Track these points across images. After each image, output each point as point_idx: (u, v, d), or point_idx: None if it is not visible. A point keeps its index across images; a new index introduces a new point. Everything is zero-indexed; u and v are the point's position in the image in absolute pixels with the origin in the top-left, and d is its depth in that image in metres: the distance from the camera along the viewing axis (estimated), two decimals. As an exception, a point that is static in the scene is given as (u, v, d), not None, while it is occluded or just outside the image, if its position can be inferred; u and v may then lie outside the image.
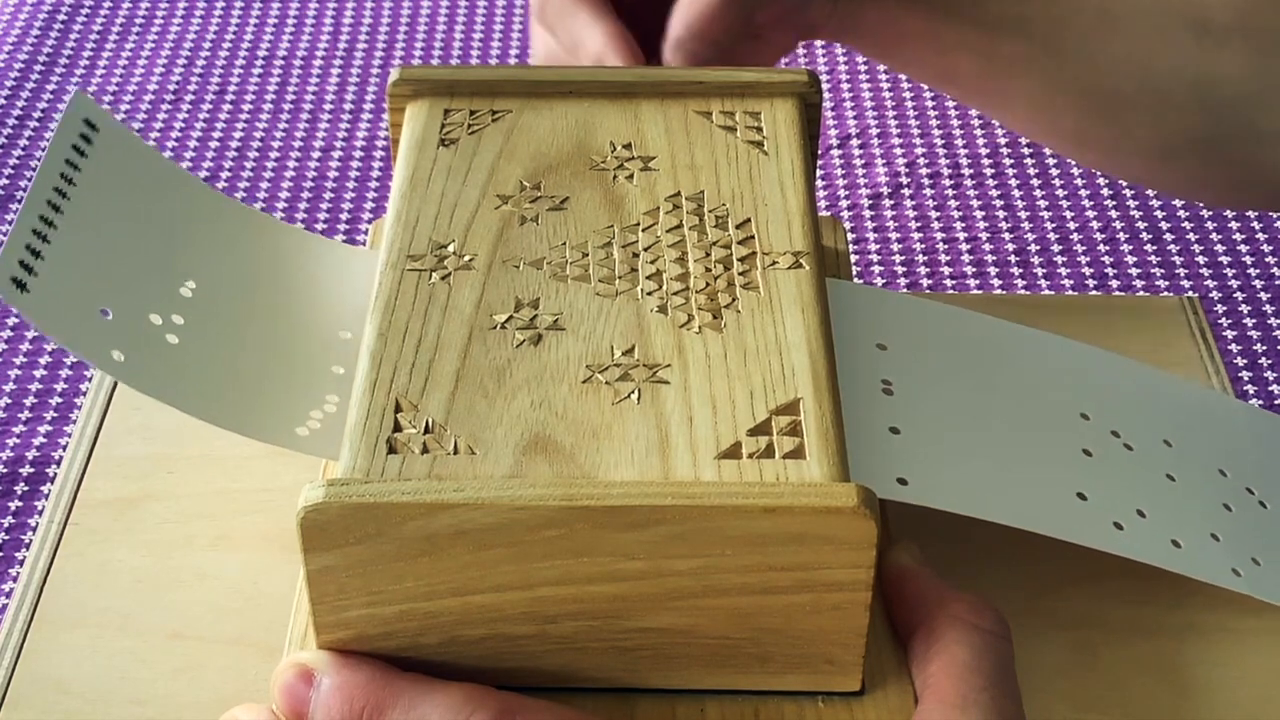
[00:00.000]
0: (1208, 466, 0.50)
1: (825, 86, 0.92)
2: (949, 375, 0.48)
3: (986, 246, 0.80)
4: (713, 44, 0.55)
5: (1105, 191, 0.84)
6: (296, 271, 0.49)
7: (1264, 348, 0.74)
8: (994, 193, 0.84)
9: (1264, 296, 0.77)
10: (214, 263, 0.47)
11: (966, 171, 0.85)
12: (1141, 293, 0.77)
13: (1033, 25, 0.58)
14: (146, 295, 0.45)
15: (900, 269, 0.79)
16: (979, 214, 0.82)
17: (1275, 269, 0.79)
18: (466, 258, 0.45)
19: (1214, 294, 0.77)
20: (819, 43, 0.96)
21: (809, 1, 0.57)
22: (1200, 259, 0.79)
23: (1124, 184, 0.84)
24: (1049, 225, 0.82)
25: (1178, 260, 0.79)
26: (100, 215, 0.45)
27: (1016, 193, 0.84)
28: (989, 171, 0.85)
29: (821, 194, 0.84)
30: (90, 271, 0.44)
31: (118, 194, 0.46)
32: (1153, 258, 0.79)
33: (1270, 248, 0.80)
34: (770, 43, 0.58)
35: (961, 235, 0.81)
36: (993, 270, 0.79)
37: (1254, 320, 0.76)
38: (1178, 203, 0.83)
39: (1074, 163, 0.85)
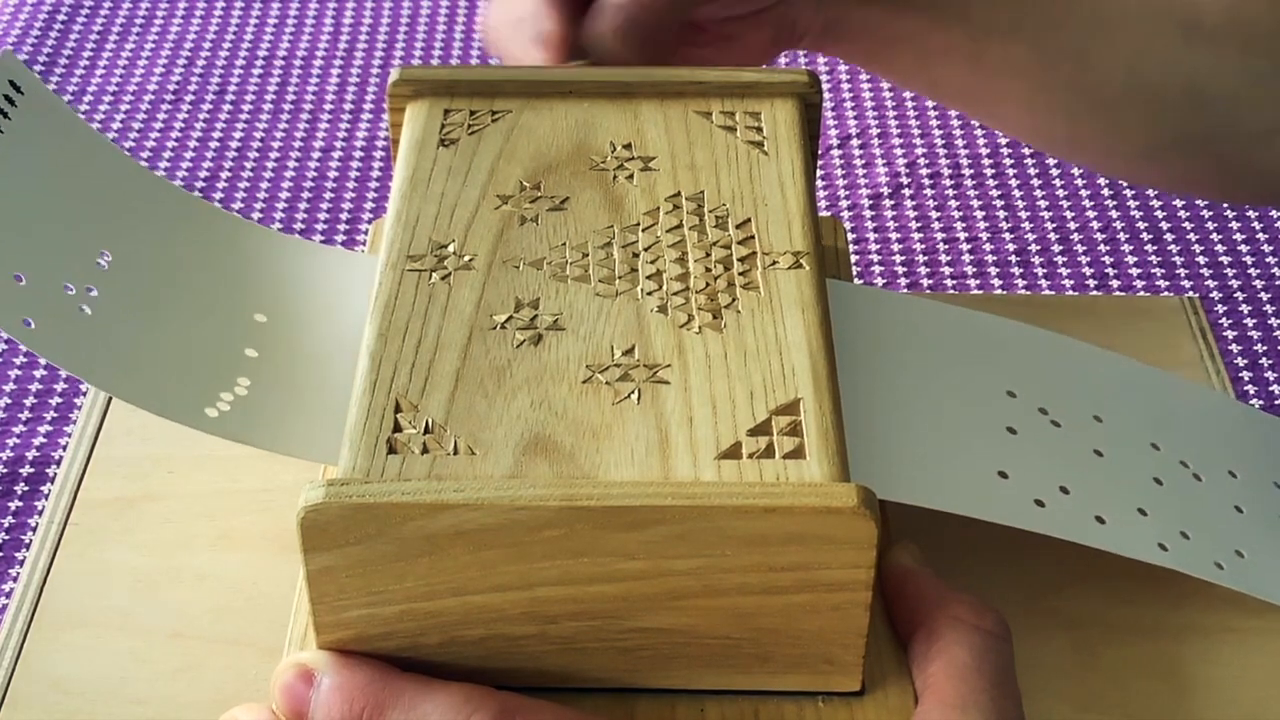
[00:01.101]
0: (1143, 441, 0.50)
1: (825, 86, 0.92)
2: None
3: (986, 246, 0.80)
4: (650, 8, 0.53)
5: (1105, 191, 0.84)
6: (217, 254, 0.48)
7: (1264, 348, 0.74)
8: (994, 193, 0.84)
9: (1264, 296, 0.77)
10: (133, 237, 0.46)
11: (966, 171, 0.85)
12: (1141, 293, 0.77)
13: (1023, 28, 0.58)
14: (62, 263, 0.44)
15: (900, 269, 0.79)
16: (979, 214, 0.82)
17: (1275, 269, 0.79)
18: (466, 258, 0.45)
19: (1214, 294, 0.77)
20: (819, 43, 0.96)
21: (789, 10, 0.57)
22: (1200, 259, 0.79)
23: (1124, 184, 0.84)
24: (1049, 225, 0.82)
25: (1178, 260, 0.79)
26: (19, 179, 0.44)
27: (1016, 193, 0.84)
28: (989, 171, 0.85)
29: (821, 194, 0.84)
30: (5, 235, 0.43)
31: (38, 158, 0.46)
32: (1153, 258, 0.79)
33: (1270, 248, 0.80)
34: (744, 46, 0.57)
35: (961, 235, 0.81)
36: (993, 270, 0.79)
37: (1254, 320, 0.76)
38: (1178, 203, 0.83)
39: (1070, 162, 0.85)
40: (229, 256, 0.48)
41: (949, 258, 0.79)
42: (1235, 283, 0.78)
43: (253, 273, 0.48)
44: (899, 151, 0.87)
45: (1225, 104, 0.57)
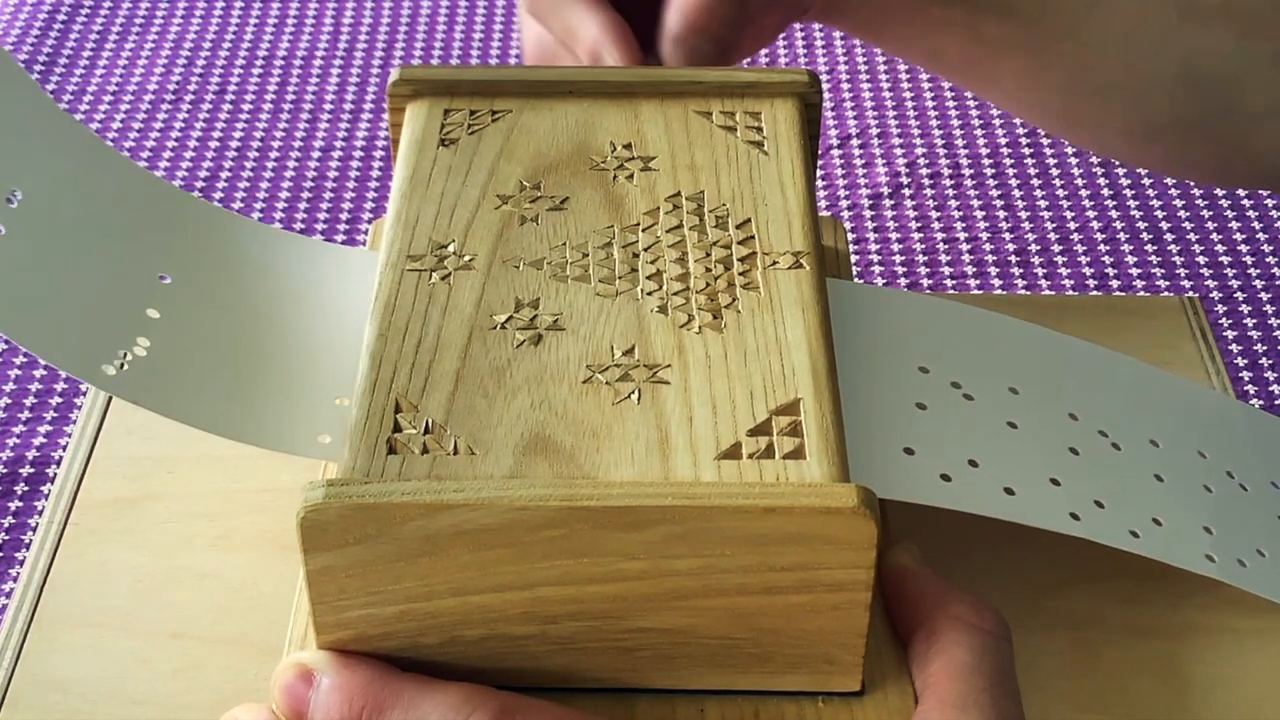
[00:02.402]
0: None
1: (825, 86, 0.92)
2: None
3: (986, 246, 0.80)
4: (712, 38, 0.54)
5: (1105, 191, 0.84)
6: (126, 210, 0.47)
7: (1264, 348, 0.74)
8: (994, 193, 0.84)
9: (1264, 296, 0.77)
10: (43, 178, 0.46)
11: (966, 171, 0.85)
12: (1141, 293, 0.77)
13: (1020, 6, 0.58)
14: None
15: (900, 269, 0.79)
16: (979, 214, 0.82)
17: (1275, 269, 0.79)
18: (466, 258, 0.45)
19: (1214, 294, 0.77)
20: (819, 43, 0.96)
21: None
22: (1200, 259, 0.79)
23: (1124, 183, 0.84)
24: (1049, 225, 0.82)
25: (1178, 260, 0.79)
26: None
27: (1016, 193, 0.84)
28: (989, 171, 0.85)
29: (821, 194, 0.84)
30: None
31: None
32: (1153, 258, 0.79)
33: (1270, 248, 0.80)
34: (761, 26, 0.57)
35: (961, 235, 0.81)
36: (993, 270, 0.79)
37: (1254, 320, 0.76)
38: (1178, 202, 0.83)
39: (1075, 161, 0.85)
40: (131, 213, 0.47)
41: (949, 258, 0.79)
42: (1235, 283, 0.78)
43: (164, 234, 0.47)
44: (899, 151, 0.87)
45: (1220, 85, 0.57)
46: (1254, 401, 0.71)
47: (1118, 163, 0.84)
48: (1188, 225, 0.81)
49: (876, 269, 0.79)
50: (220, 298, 0.46)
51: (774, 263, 0.45)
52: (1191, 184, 0.84)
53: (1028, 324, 0.52)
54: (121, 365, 0.43)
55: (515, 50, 0.97)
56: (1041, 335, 0.52)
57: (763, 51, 0.95)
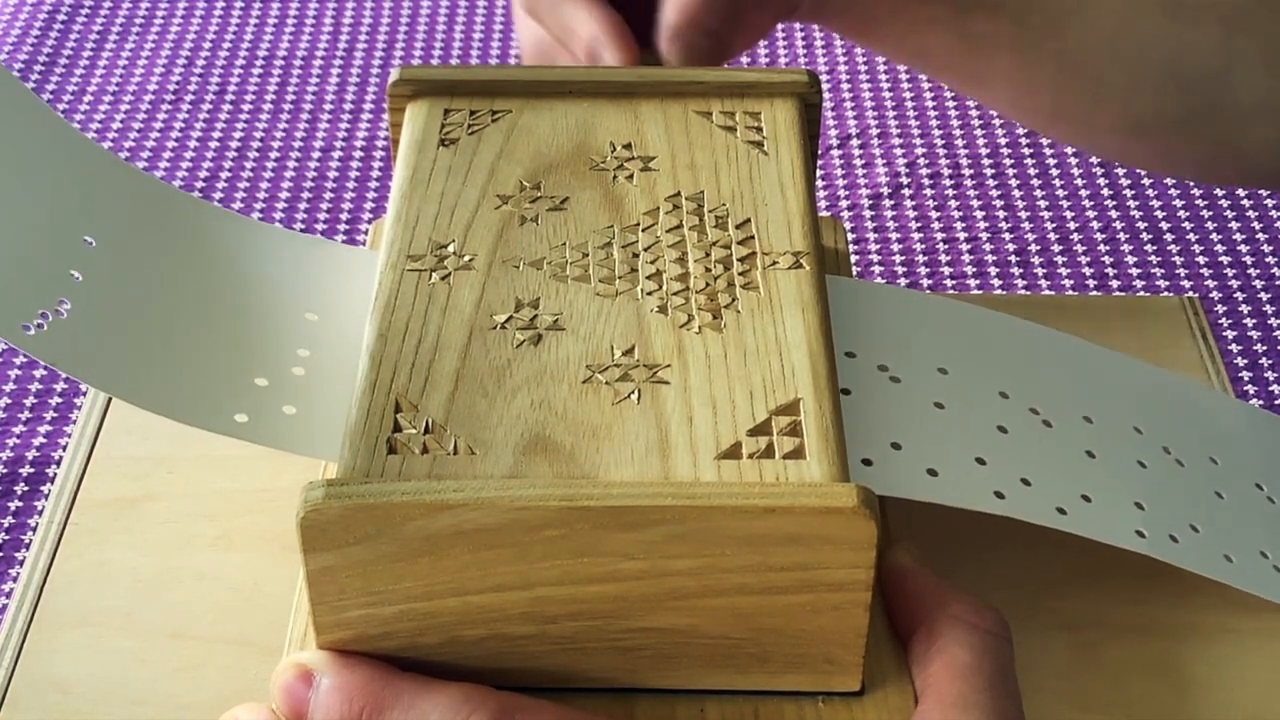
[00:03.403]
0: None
1: (825, 86, 0.92)
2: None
3: (986, 246, 0.80)
4: (708, 32, 0.54)
5: (1105, 191, 0.84)
6: (53, 169, 0.47)
7: (1264, 348, 0.74)
8: (994, 193, 0.84)
9: (1264, 296, 0.77)
10: None
11: (966, 171, 0.85)
12: (1141, 293, 0.77)
13: (1007, 4, 0.58)
14: None
15: (900, 269, 0.79)
16: (979, 214, 0.82)
17: (1275, 269, 0.79)
18: (466, 258, 0.45)
19: (1214, 294, 0.77)
20: (819, 42, 0.96)
21: None
22: (1200, 259, 0.79)
23: (1124, 183, 0.84)
24: (1049, 225, 0.82)
25: (1178, 260, 0.79)
26: None
27: (1016, 193, 0.84)
28: (989, 171, 0.85)
29: (821, 194, 0.84)
30: None
31: None
32: (1153, 258, 0.79)
33: (1270, 248, 0.80)
34: (753, 24, 0.57)
35: (961, 235, 0.81)
36: (993, 270, 0.79)
37: (1254, 320, 0.76)
38: (1178, 203, 0.83)
39: (1075, 161, 0.85)
40: (49, 170, 0.46)
41: (949, 258, 0.79)
42: (1235, 283, 0.78)
43: (91, 197, 0.46)
44: (899, 151, 0.87)
45: (1207, 82, 0.57)
46: (1254, 401, 0.71)
47: (1106, 160, 0.84)
48: (1188, 225, 0.81)
49: (876, 269, 0.79)
50: (148, 266, 0.46)
51: (774, 263, 0.45)
52: (1191, 184, 0.84)
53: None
54: (40, 325, 0.42)
55: (515, 50, 0.97)
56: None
57: (763, 51, 0.95)
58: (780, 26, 0.84)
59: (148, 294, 0.45)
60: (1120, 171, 0.85)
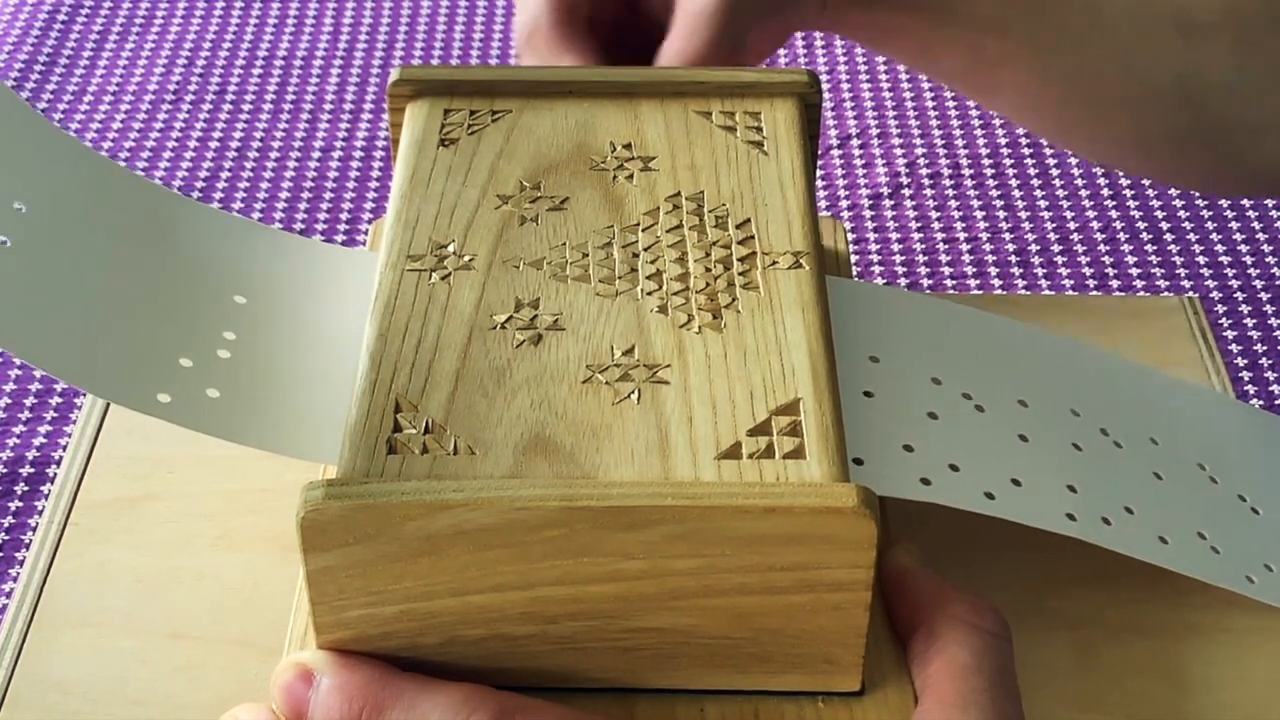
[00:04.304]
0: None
1: (825, 86, 0.92)
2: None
3: (986, 246, 0.80)
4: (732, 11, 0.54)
5: (1105, 191, 0.84)
6: None
7: (1264, 348, 0.74)
8: (994, 193, 0.84)
9: (1264, 296, 0.77)
10: None
11: (966, 171, 0.85)
12: (1141, 293, 0.77)
13: (1021, 24, 0.58)
14: None
15: (900, 269, 0.79)
16: (979, 214, 0.82)
17: (1275, 269, 0.79)
18: (466, 258, 0.45)
19: (1214, 294, 0.77)
20: (819, 43, 0.96)
21: (796, 16, 0.57)
22: (1200, 259, 0.79)
23: (1124, 183, 0.84)
24: (1049, 225, 0.81)
25: (1178, 260, 0.79)
26: None
27: (1016, 193, 0.84)
28: (989, 171, 0.85)
29: (821, 194, 0.84)
30: None
31: None
32: (1153, 258, 0.79)
33: (1270, 248, 0.80)
34: (753, 52, 0.57)
35: (961, 235, 0.81)
36: (993, 270, 0.79)
37: (1254, 320, 0.76)
38: (1178, 203, 0.83)
39: (1075, 161, 0.85)
40: None
41: (949, 258, 0.79)
42: (1235, 283, 0.78)
43: (25, 163, 0.46)
44: (899, 151, 0.87)
45: (1217, 99, 0.58)
46: (1254, 401, 0.71)
47: (1111, 170, 0.84)
48: (1188, 225, 0.81)
49: (876, 269, 0.79)
50: (79, 237, 0.45)
51: (774, 263, 0.45)
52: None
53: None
54: None
55: (515, 51, 0.97)
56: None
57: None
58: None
59: (76, 267, 0.44)
60: (1139, 178, 0.85)
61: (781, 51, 0.96)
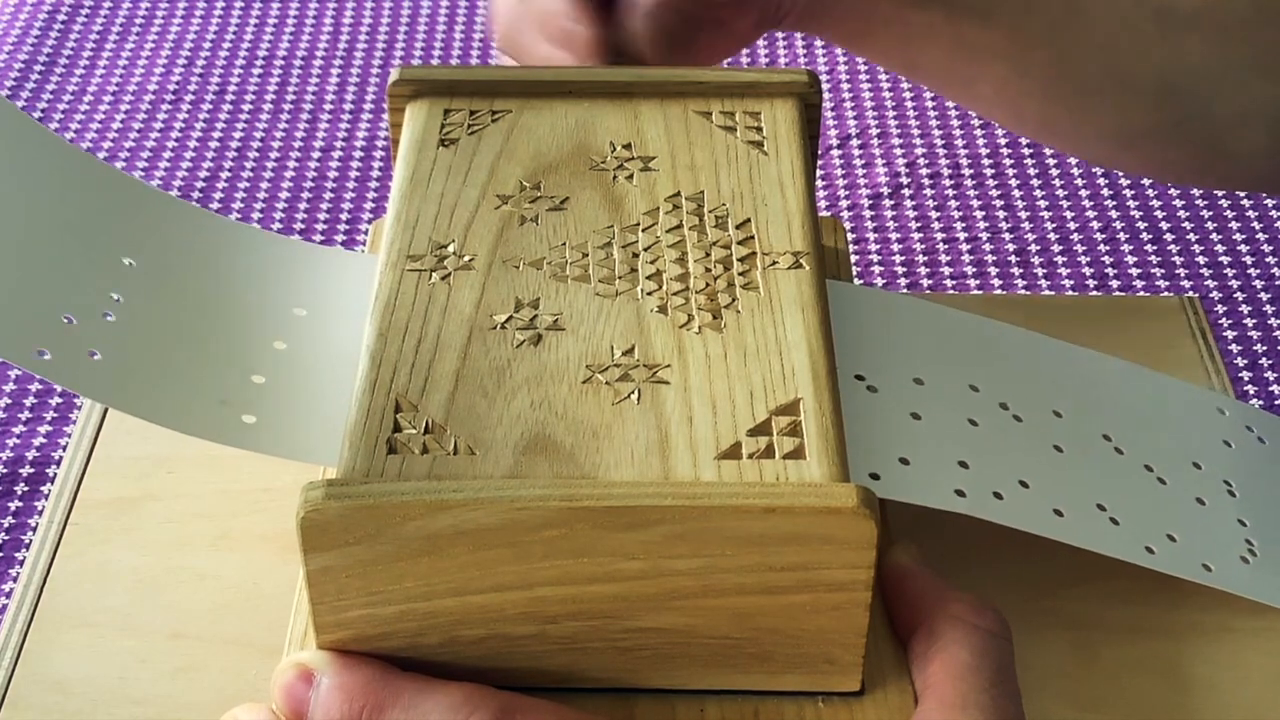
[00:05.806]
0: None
1: (825, 86, 0.92)
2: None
3: (986, 246, 0.80)
4: (680, 13, 0.54)
5: (1105, 191, 0.84)
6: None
7: (1264, 348, 0.74)
8: (994, 193, 0.84)
9: (1264, 296, 0.77)
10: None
11: (966, 171, 0.85)
12: (1141, 293, 0.77)
13: (1001, 13, 0.58)
14: None
15: (900, 269, 0.79)
16: (979, 214, 0.82)
17: (1275, 269, 0.79)
18: (466, 258, 0.45)
19: (1214, 294, 0.77)
20: (819, 43, 0.96)
21: (756, 13, 0.57)
22: (1200, 259, 0.79)
23: (1124, 183, 0.84)
24: (1049, 225, 0.82)
25: (1178, 260, 0.79)
26: None
27: (1016, 193, 0.84)
28: (989, 171, 0.85)
29: (821, 194, 0.84)
30: None
31: None
32: (1153, 258, 0.79)
33: (1270, 248, 0.80)
34: (732, 31, 0.57)
35: (961, 235, 0.81)
36: (993, 270, 0.79)
37: (1254, 320, 0.76)
38: (1178, 203, 0.83)
39: (1075, 161, 0.85)
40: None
41: (949, 258, 0.79)
42: (1235, 283, 0.78)
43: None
44: (899, 151, 0.87)
45: (1198, 90, 0.58)
46: (1254, 401, 0.71)
47: (1094, 166, 0.84)
48: (1188, 225, 0.82)
49: (876, 269, 0.79)
50: (12, 210, 0.45)
51: (774, 263, 0.45)
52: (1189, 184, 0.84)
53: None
54: None
55: (496, 43, 0.97)
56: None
57: (763, 52, 0.95)
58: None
59: (17, 242, 0.44)
60: (1120, 172, 0.85)
61: (781, 51, 0.96)
